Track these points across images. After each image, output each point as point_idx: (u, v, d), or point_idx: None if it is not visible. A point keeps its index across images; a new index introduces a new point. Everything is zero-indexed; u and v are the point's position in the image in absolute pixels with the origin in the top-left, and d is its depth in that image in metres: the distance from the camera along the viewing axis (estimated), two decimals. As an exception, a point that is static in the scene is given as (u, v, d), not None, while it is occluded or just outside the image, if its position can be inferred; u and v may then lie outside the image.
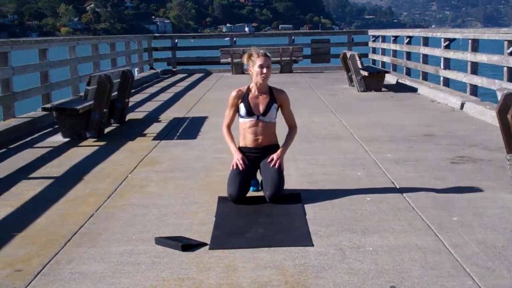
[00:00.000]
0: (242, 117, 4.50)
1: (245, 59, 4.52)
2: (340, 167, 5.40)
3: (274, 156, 4.43)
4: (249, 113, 4.45)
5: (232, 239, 3.54)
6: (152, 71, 18.53)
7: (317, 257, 3.24)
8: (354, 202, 4.28)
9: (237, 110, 4.53)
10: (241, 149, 4.52)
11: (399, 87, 12.83)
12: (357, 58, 12.26)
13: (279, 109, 4.54)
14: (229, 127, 4.59)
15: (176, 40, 19.53)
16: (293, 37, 19.53)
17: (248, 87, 4.53)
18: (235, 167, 4.40)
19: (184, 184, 4.93)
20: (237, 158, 4.43)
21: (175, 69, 19.13)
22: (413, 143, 6.52)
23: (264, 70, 4.40)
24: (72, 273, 3.12)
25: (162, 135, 7.43)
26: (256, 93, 4.50)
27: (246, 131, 4.49)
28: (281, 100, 4.52)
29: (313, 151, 6.17)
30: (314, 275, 3.00)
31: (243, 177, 4.33)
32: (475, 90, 10.35)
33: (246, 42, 21.46)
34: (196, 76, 17.79)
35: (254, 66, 4.43)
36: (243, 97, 4.48)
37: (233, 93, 4.52)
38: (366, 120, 8.23)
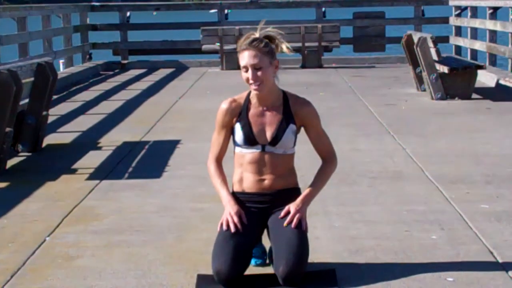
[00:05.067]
0: (238, 145, 4.53)
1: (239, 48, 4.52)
2: (403, 226, 5.41)
3: (291, 207, 4.44)
4: (250, 140, 4.47)
5: None
6: (89, 64, 18.63)
7: None
8: (427, 284, 4.28)
9: (231, 134, 4.56)
10: (237, 197, 4.55)
11: (500, 93, 12.83)
12: (431, 44, 12.31)
13: (301, 131, 4.57)
14: (218, 161, 4.62)
15: (129, 13, 19.67)
16: (323, 9, 19.65)
17: (248, 95, 4.56)
18: (225, 227, 4.41)
19: (140, 254, 4.93)
20: (229, 212, 4.44)
21: (126, 62, 19.22)
22: (525, 186, 6.54)
23: (249, 74, 4.38)
24: None
25: (104, 172, 7.43)
26: (261, 107, 4.52)
27: (244, 168, 4.52)
28: (304, 118, 4.54)
29: (357, 199, 6.18)
30: None
31: (240, 243, 4.34)
32: None
33: (244, 17, 21.60)
34: (162, 73, 17.83)
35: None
36: (240, 113, 4.51)
37: (224, 106, 4.54)
38: (446, 148, 8.24)
